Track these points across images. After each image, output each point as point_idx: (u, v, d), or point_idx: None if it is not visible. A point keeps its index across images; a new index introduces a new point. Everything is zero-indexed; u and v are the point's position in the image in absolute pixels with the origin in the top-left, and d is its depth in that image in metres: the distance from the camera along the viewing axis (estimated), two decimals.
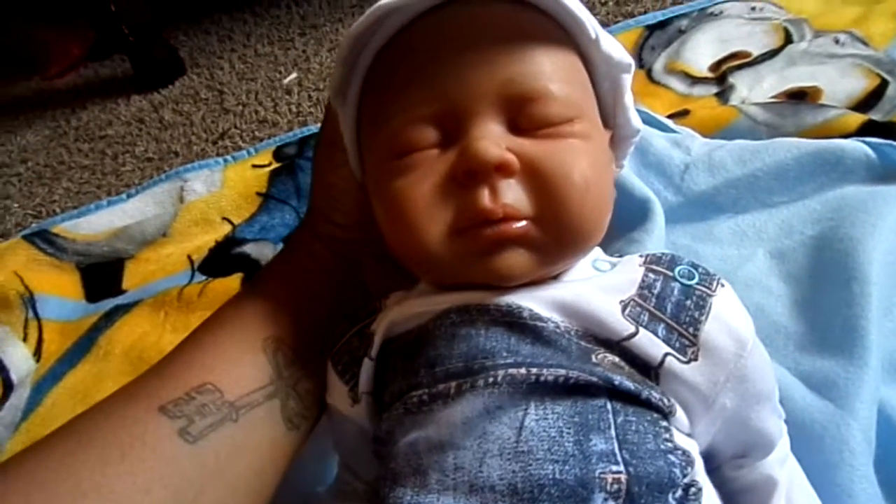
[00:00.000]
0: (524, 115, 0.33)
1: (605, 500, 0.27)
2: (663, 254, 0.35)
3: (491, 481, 0.28)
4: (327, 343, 0.40)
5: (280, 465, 0.38)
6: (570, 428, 0.29)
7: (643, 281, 0.33)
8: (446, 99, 0.33)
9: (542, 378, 0.30)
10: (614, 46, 0.38)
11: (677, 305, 0.32)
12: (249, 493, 0.36)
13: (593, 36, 0.36)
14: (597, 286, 0.34)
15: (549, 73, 0.34)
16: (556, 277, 0.35)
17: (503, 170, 0.32)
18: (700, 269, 0.34)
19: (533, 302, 0.33)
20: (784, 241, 0.53)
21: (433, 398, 0.31)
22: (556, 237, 0.33)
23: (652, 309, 0.32)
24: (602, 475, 0.28)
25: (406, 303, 0.36)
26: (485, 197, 0.32)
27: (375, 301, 0.39)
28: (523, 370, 0.30)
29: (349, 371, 0.37)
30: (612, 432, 0.29)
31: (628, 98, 0.40)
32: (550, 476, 0.28)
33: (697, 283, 0.33)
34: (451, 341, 0.32)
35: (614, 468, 0.28)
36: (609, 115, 0.40)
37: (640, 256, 0.35)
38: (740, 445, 0.35)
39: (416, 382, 0.32)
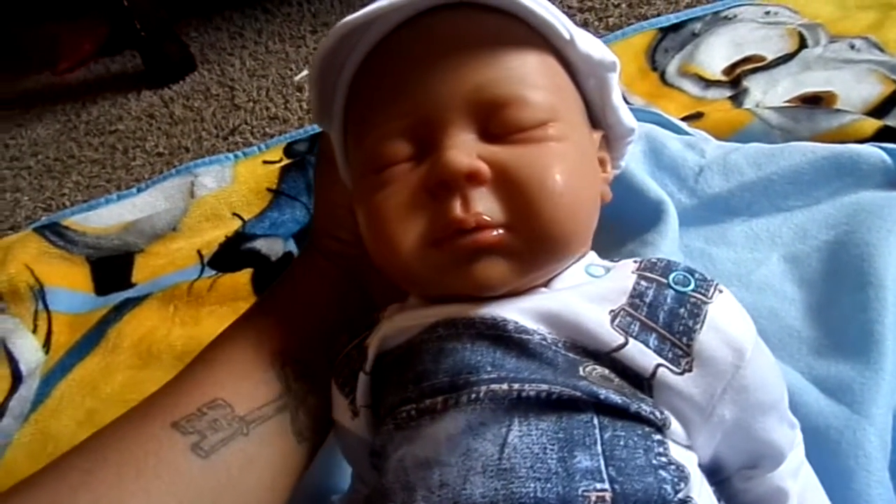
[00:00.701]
0: (495, 121, 0.33)
1: None
2: (658, 259, 0.34)
3: (474, 499, 0.27)
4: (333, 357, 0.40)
5: (290, 477, 0.39)
6: (553, 444, 0.28)
7: (634, 289, 0.32)
8: (418, 111, 0.33)
9: (525, 394, 0.29)
10: (594, 45, 0.37)
11: (670, 314, 0.31)
12: None
13: (567, 37, 0.35)
14: (585, 295, 0.33)
15: (520, 76, 0.33)
16: (546, 284, 0.35)
17: (474, 179, 0.31)
18: (696, 276, 0.33)
19: (518, 314, 0.32)
20: (798, 245, 0.53)
21: (421, 413, 0.31)
22: (532, 244, 0.32)
23: (643, 318, 0.31)
24: (586, 493, 0.27)
25: (397, 317, 0.36)
26: (456, 207, 0.31)
27: (374, 314, 0.39)
28: (505, 385, 0.30)
29: (348, 384, 0.37)
30: (599, 448, 0.28)
31: (616, 97, 0.39)
32: (532, 494, 0.27)
33: (693, 290, 0.32)
34: (438, 356, 0.32)
35: (598, 486, 0.27)
36: (599, 116, 0.40)
37: (635, 262, 0.34)
38: (748, 456, 0.34)
39: (405, 397, 0.32)
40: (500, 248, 0.32)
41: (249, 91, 1.06)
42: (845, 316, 0.45)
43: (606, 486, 0.27)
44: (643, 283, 0.33)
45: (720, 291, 0.32)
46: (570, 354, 0.31)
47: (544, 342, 0.31)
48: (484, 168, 0.31)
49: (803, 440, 0.36)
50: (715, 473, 0.34)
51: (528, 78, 0.34)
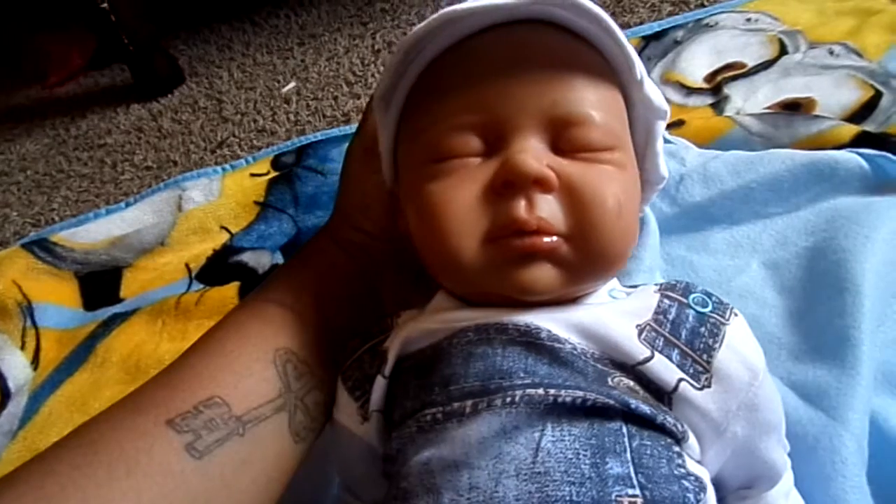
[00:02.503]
0: (565, 138, 0.34)
1: None
2: (678, 282, 0.36)
3: (507, 501, 0.28)
4: (338, 355, 0.40)
5: (284, 477, 0.38)
6: (586, 450, 0.29)
7: (658, 306, 0.34)
8: (492, 111, 0.34)
9: (560, 399, 0.30)
10: (655, 91, 0.39)
11: (692, 332, 0.33)
12: None
13: (638, 77, 0.37)
14: (614, 310, 0.34)
15: (594, 101, 0.35)
16: (574, 301, 0.36)
17: (541, 184, 0.32)
18: (713, 298, 0.35)
19: (551, 323, 0.33)
20: (778, 252, 0.53)
21: (447, 416, 0.31)
22: (585, 257, 0.33)
23: (667, 334, 0.33)
24: (619, 498, 0.28)
25: (421, 318, 0.36)
26: (521, 207, 0.32)
27: (387, 318, 0.39)
28: (541, 390, 0.30)
29: (360, 388, 0.37)
30: (628, 455, 0.29)
31: (660, 144, 0.41)
32: (567, 498, 0.27)
33: (711, 311, 0.34)
34: (468, 360, 0.32)
35: (630, 492, 0.28)
36: (639, 158, 0.40)
37: (655, 285, 0.36)
38: (747, 476, 0.35)
39: (429, 400, 0.32)
40: (554, 255, 0.33)
41: (237, 103, 1.06)
42: (823, 321, 0.46)
43: (637, 492, 0.28)
44: (666, 301, 0.34)
45: (735, 315, 0.34)
46: (599, 365, 0.32)
47: (575, 352, 0.32)
48: (552, 176, 0.32)
49: None
50: None
51: (602, 104, 0.35)
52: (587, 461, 0.29)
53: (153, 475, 0.32)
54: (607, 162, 0.34)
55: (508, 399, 0.30)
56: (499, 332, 0.33)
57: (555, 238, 0.32)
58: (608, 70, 0.37)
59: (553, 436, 0.29)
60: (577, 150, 0.34)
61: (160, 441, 0.33)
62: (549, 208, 0.32)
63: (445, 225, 0.33)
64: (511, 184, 0.32)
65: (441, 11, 0.34)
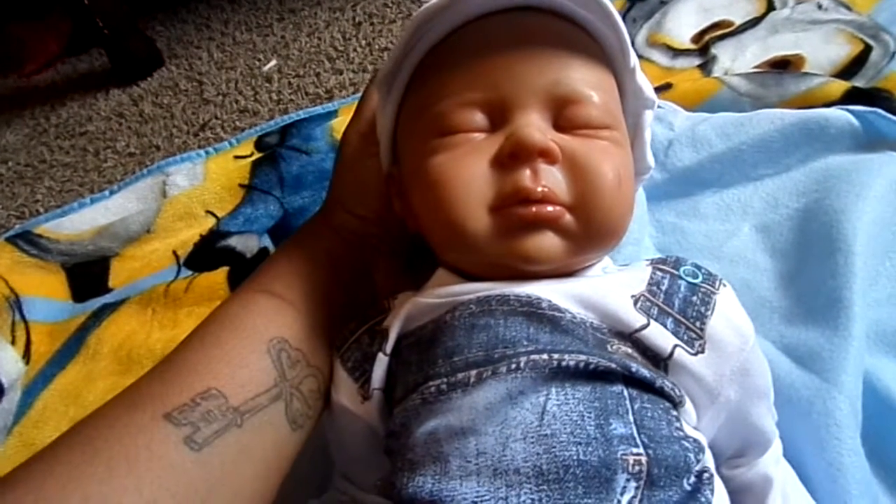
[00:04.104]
0: (566, 115, 0.36)
1: (628, 480, 0.28)
2: (668, 256, 0.37)
3: (515, 464, 0.29)
4: (333, 341, 0.40)
5: (283, 466, 0.38)
6: (590, 412, 0.30)
7: (651, 278, 0.35)
8: (497, 89, 0.35)
9: (564, 363, 0.31)
10: (645, 81, 0.41)
11: (684, 301, 0.34)
12: (254, 498, 0.37)
13: (632, 65, 0.39)
14: (609, 282, 0.36)
15: (593, 82, 0.36)
16: (571, 275, 0.37)
17: (546, 155, 0.34)
18: (703, 270, 0.36)
19: (551, 293, 0.34)
20: (769, 214, 0.53)
21: (452, 387, 0.32)
22: (588, 226, 0.34)
23: (661, 304, 0.34)
24: (624, 456, 0.29)
25: (422, 295, 0.37)
26: (526, 177, 0.33)
27: (384, 301, 0.40)
28: (545, 356, 0.31)
29: (359, 368, 0.38)
30: (631, 417, 0.30)
31: (648, 134, 0.43)
32: (575, 457, 0.28)
33: (702, 282, 0.35)
34: (471, 331, 0.33)
35: (634, 450, 0.29)
36: None
37: (647, 260, 0.38)
38: (739, 443, 0.36)
39: (433, 373, 0.33)
40: (557, 224, 0.34)
41: (218, 84, 1.04)
42: (815, 283, 0.46)
43: (641, 450, 0.29)
44: (658, 273, 0.36)
45: (724, 285, 0.36)
46: (598, 334, 0.33)
47: (575, 320, 0.33)
48: (556, 148, 0.34)
49: (777, 412, 0.37)
50: None
51: (600, 86, 0.37)
52: (592, 423, 0.30)
53: (154, 470, 0.32)
54: (606, 139, 0.36)
55: (513, 365, 0.31)
56: (500, 304, 0.34)
57: (558, 207, 0.34)
58: (604, 57, 0.38)
59: (558, 399, 0.30)
60: (578, 126, 0.36)
61: (159, 435, 0.33)
62: (553, 179, 0.34)
63: (453, 193, 0.34)
64: (517, 155, 0.34)
65: None
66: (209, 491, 0.33)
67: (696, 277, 0.35)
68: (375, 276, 0.45)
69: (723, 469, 0.36)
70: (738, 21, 0.76)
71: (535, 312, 0.33)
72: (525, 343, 0.32)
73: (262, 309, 0.40)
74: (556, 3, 0.37)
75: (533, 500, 0.28)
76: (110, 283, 0.74)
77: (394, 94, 0.41)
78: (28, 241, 0.78)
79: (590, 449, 0.29)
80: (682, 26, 0.78)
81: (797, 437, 0.38)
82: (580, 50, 0.37)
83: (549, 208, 0.33)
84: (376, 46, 1.00)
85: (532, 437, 0.29)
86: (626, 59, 0.38)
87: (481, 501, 0.28)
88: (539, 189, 0.33)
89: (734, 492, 0.35)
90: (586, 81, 0.36)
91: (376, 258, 0.45)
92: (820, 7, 0.73)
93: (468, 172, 0.34)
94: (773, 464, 0.36)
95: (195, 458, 0.33)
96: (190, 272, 0.71)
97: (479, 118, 0.36)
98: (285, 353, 0.39)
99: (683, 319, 0.34)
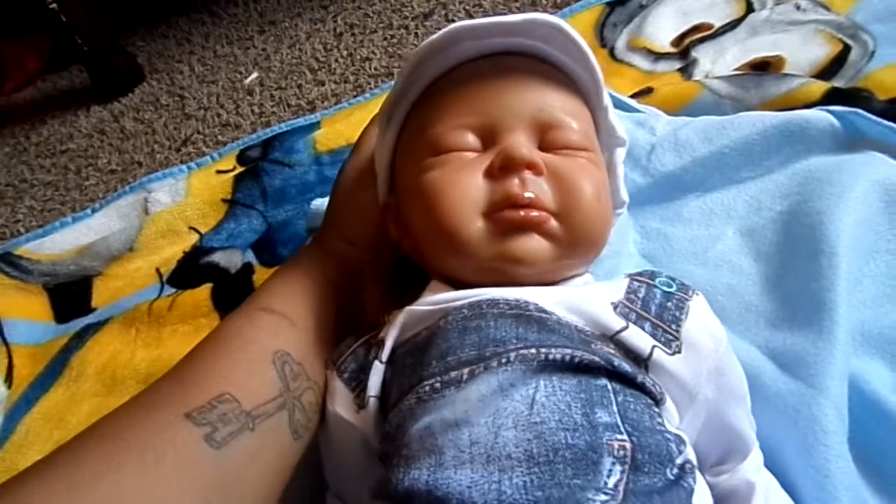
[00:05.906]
0: (549, 138, 0.40)
1: (613, 464, 0.30)
2: (644, 270, 0.40)
3: (507, 450, 0.30)
4: (329, 356, 0.43)
5: (287, 474, 0.40)
6: (577, 402, 0.32)
7: (629, 287, 0.38)
8: (488, 115, 0.40)
9: (551, 356, 0.33)
10: (617, 121, 0.46)
11: (660, 307, 0.37)
12: (264, 501, 0.38)
13: (605, 104, 0.44)
14: (590, 290, 0.40)
15: (573, 112, 0.42)
16: (556, 284, 0.40)
17: (532, 167, 0.38)
18: (677, 281, 0.39)
19: (539, 298, 0.37)
20: (753, 217, 0.52)
21: (446, 385, 0.34)
22: (570, 232, 0.38)
23: (638, 310, 0.37)
24: (609, 442, 0.30)
25: (416, 304, 0.39)
26: (515, 184, 0.38)
27: (379, 317, 0.42)
28: (533, 350, 0.33)
29: (356, 378, 0.40)
30: (615, 408, 0.32)
31: (620, 170, 0.47)
32: (563, 441, 0.30)
33: (676, 290, 0.38)
34: (463, 333, 0.35)
35: (619, 437, 0.31)
36: None
37: (624, 274, 0.40)
38: (721, 449, 0.38)
39: (427, 373, 0.34)
40: (544, 229, 0.38)
41: (200, 98, 1.03)
42: (799, 286, 0.45)
43: (625, 437, 0.31)
44: (635, 283, 0.39)
45: (697, 294, 0.38)
46: (582, 335, 0.35)
47: (560, 322, 0.36)
48: (541, 162, 0.38)
49: (764, 419, 0.38)
50: None
51: (579, 115, 0.42)
52: (578, 412, 0.31)
53: (180, 464, 0.34)
54: (585, 158, 0.40)
55: (504, 360, 0.33)
56: (491, 307, 0.36)
57: (544, 212, 0.37)
58: (581, 94, 0.44)
59: (546, 391, 0.32)
60: (559, 147, 0.40)
61: (182, 432, 0.35)
62: (539, 188, 0.38)
63: (448, 201, 0.38)
64: (506, 167, 0.38)
65: (451, 26, 0.40)
66: (225, 489, 0.35)
67: (671, 287, 0.38)
68: (363, 300, 0.48)
69: (706, 476, 0.37)
70: (717, 24, 0.76)
71: (523, 314, 0.35)
72: (514, 341, 0.34)
73: (265, 324, 0.42)
74: (539, 48, 0.42)
75: (525, 482, 0.29)
76: (93, 303, 0.73)
77: (393, 126, 0.45)
78: (9, 264, 0.77)
79: (577, 434, 0.30)
80: (661, 30, 0.78)
81: (784, 444, 0.38)
82: (561, 85, 0.42)
83: (536, 213, 0.37)
84: (358, 57, 1.00)
85: (523, 425, 0.31)
86: (600, 98, 0.44)
87: (475, 486, 0.29)
88: (526, 195, 0.37)
89: (718, 499, 0.36)
90: (566, 110, 0.41)
91: (366, 283, 0.48)
92: (798, 8, 0.74)
93: (462, 183, 0.38)
94: (754, 471, 0.37)
95: (216, 455, 0.35)
96: (173, 290, 0.71)
97: (471, 139, 0.40)
98: (288, 365, 0.41)
99: (660, 323, 0.36)
